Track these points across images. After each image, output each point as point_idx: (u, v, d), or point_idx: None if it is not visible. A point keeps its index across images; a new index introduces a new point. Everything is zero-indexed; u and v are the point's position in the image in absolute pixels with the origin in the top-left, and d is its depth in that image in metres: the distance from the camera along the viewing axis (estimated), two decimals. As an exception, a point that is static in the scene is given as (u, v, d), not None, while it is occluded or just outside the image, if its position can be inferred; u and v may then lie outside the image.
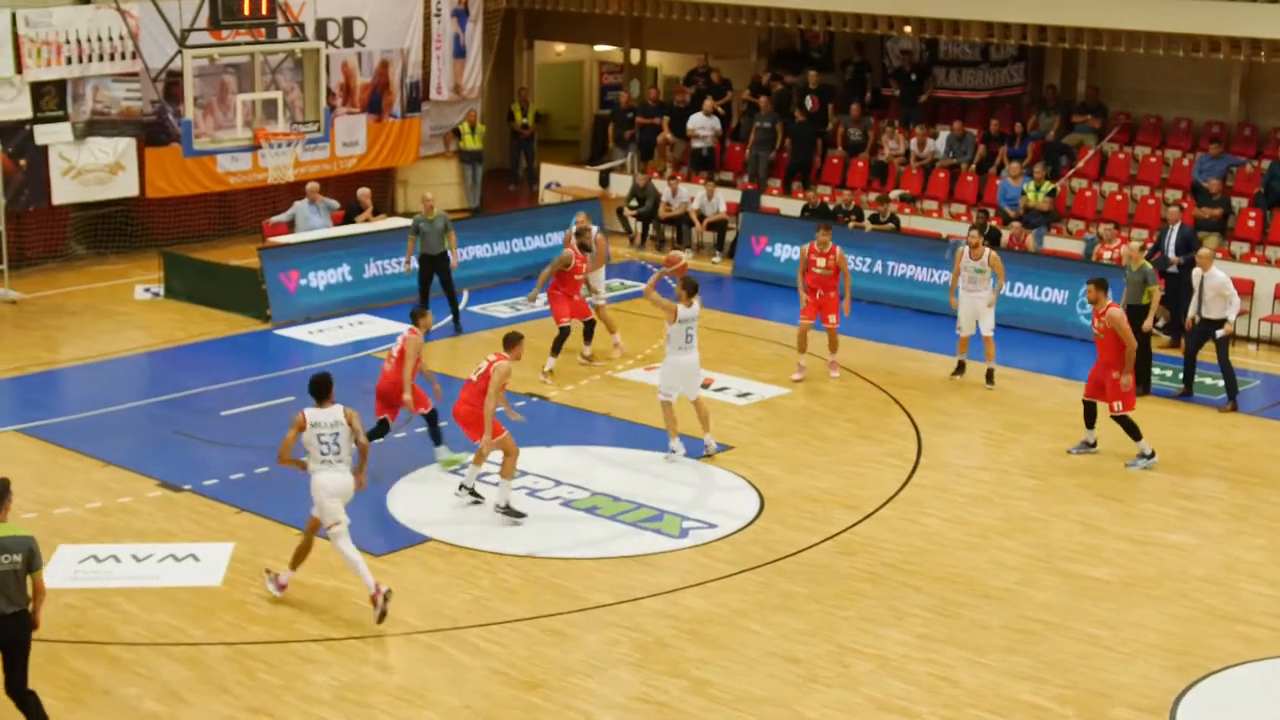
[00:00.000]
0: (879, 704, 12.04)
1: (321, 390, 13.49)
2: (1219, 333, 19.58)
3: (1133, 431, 17.34)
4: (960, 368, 20.46)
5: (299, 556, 13.68)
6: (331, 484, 13.35)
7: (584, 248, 20.76)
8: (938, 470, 17.23)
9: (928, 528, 15.63)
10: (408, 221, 24.69)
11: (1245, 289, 22.73)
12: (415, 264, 22.42)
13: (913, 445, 17.98)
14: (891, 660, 12.77)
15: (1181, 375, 20.25)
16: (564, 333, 20.38)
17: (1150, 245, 22.67)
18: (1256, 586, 14.40)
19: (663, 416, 17.26)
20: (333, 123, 27.08)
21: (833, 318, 20.37)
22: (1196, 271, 19.92)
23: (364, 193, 25.47)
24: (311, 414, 13.40)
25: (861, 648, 12.96)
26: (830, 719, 11.82)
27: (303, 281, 23.10)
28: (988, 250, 20.28)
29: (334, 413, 13.39)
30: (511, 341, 15.77)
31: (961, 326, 20.34)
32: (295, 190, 25.58)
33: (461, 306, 23.20)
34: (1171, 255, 22.10)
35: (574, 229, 21.51)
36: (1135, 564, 14.90)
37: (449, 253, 22.40)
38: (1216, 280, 19.65)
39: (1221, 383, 19.78)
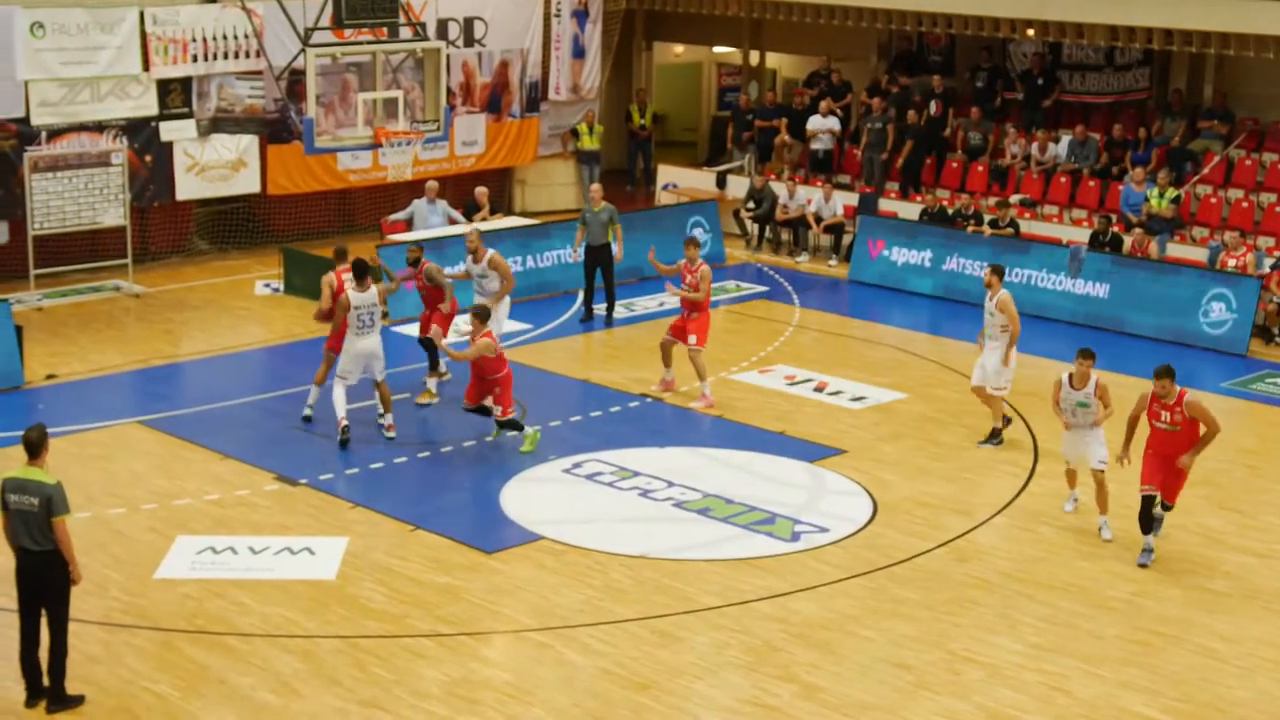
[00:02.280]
0: (990, 713, 11.92)
1: (360, 271, 17.27)
2: None
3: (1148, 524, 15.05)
4: (1003, 426, 18.20)
5: None
6: (365, 347, 17.30)
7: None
8: (1054, 479, 17.00)
9: (1042, 536, 15.45)
10: (525, 221, 24.82)
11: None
12: (581, 254, 22.92)
13: (1029, 454, 17.78)
14: (1003, 669, 12.64)
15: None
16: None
17: None
18: (1382, 603, 14.11)
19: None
20: (452, 122, 27.27)
21: (693, 339, 19.02)
22: None
23: (481, 191, 25.65)
24: (354, 296, 17.13)
25: (973, 655, 12.84)
26: (940, 727, 11.73)
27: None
28: (1002, 291, 17.93)
29: (370, 294, 17.24)
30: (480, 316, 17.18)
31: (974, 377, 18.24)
32: (414, 189, 25.82)
33: (575, 307, 23.29)
34: None
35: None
36: (1255, 577, 14.63)
37: (612, 245, 22.57)
38: None
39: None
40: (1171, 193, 25.27)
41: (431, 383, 19.30)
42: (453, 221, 24.55)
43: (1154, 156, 26.60)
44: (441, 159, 28.17)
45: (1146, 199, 25.39)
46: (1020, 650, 12.97)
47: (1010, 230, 25.33)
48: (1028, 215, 26.48)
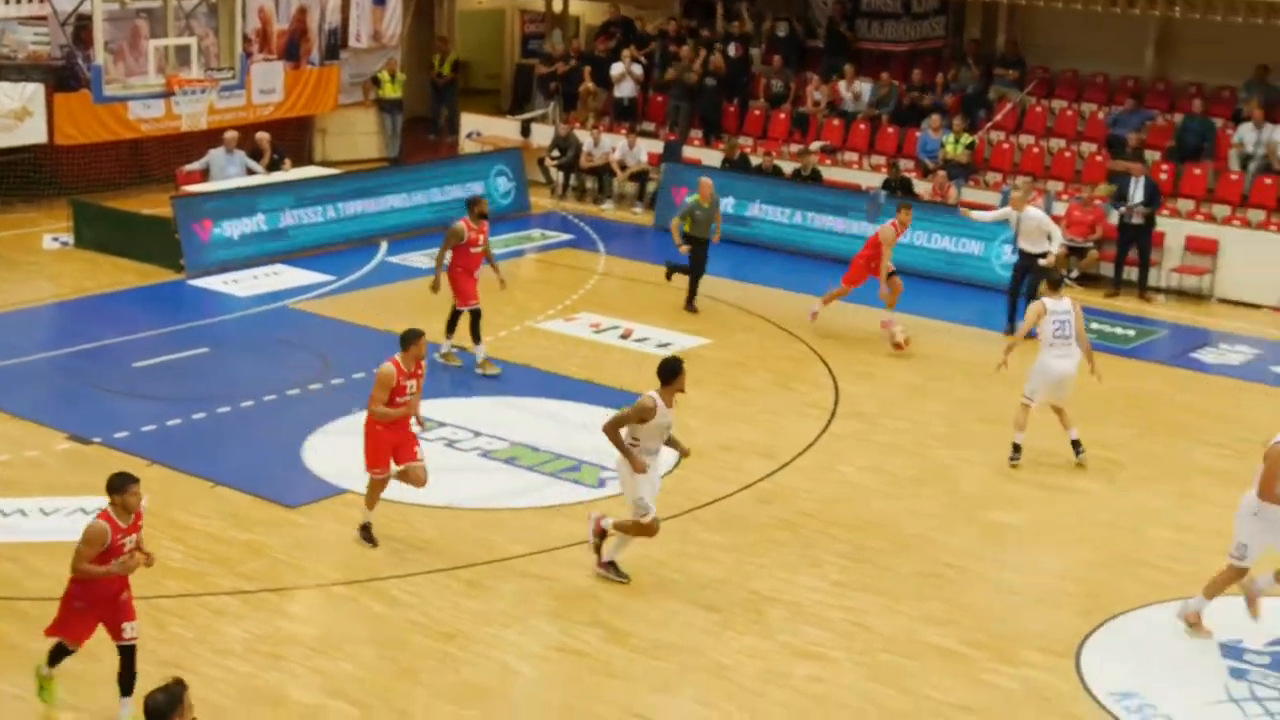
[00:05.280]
0: (794, 650, 12.11)
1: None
2: (1043, 263, 19.99)
3: None
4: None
5: None
6: None
7: (480, 216, 18.41)
8: (855, 420, 17.31)
9: (844, 476, 15.71)
10: (325, 171, 24.45)
11: (1158, 240, 23.05)
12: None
13: (830, 395, 18.05)
14: (806, 607, 12.84)
15: (1123, 329, 20.50)
16: (475, 315, 18.31)
17: (1109, 201, 23.00)
18: (1162, 531, 14.60)
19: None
20: (249, 70, 26.75)
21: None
22: (1011, 210, 20.39)
23: (262, 137, 25.13)
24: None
25: (777, 595, 13.02)
26: (745, 665, 11.87)
27: (216, 231, 22.81)
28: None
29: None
30: (408, 340, 13.59)
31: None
32: (210, 139, 25.26)
33: (379, 257, 23.06)
34: (1139, 206, 22.36)
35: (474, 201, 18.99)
36: (1046, 510, 15.05)
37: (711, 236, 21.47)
38: (1034, 216, 20.19)
39: (1123, 330, 20.10)
40: (966, 139, 25.78)
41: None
42: (250, 172, 24.12)
43: (949, 104, 27.08)
44: (238, 108, 27.54)
45: (942, 145, 25.86)
46: (822, 588, 13.19)
47: (811, 177, 25.63)
48: (828, 162, 26.79)
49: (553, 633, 12.34)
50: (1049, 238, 20.22)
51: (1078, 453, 16.09)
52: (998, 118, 26.65)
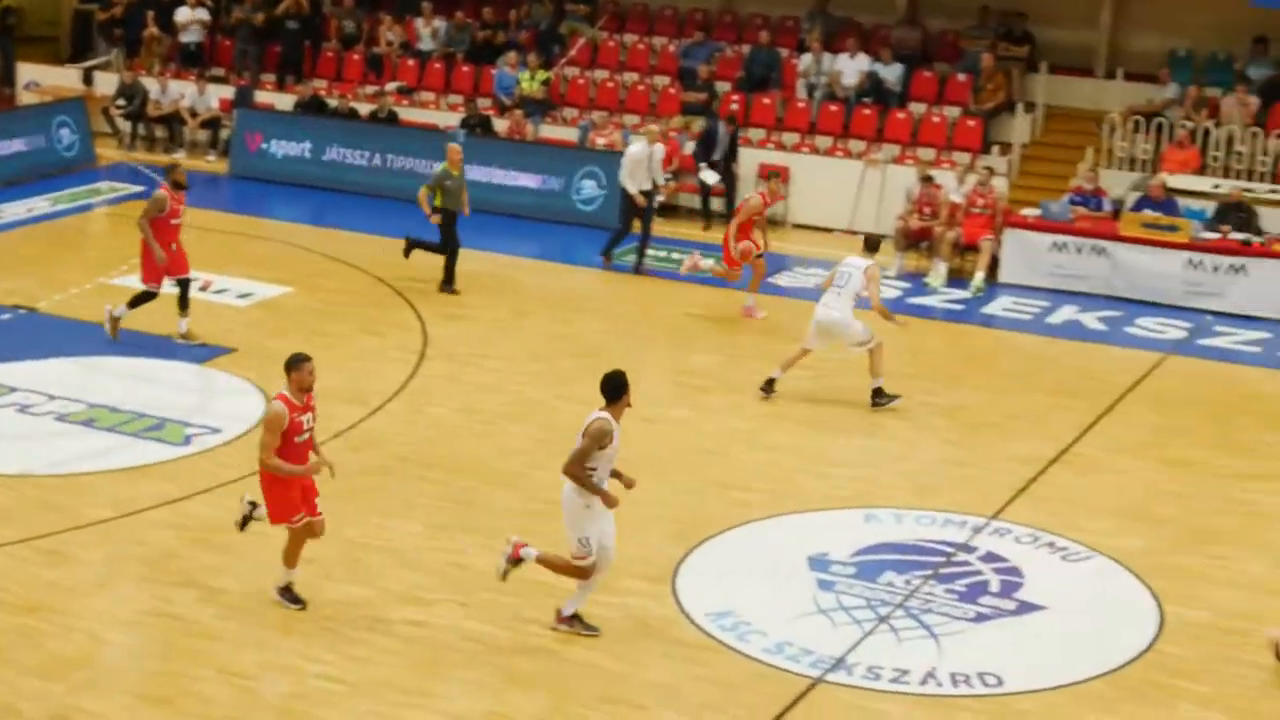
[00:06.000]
0: (395, 595, 12.01)
1: None
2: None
3: None
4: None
5: None
6: None
7: (177, 184, 17.41)
8: (445, 361, 17.27)
9: (437, 418, 15.67)
10: None
11: (779, 174, 23.82)
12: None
13: (419, 338, 17.96)
14: (405, 551, 12.76)
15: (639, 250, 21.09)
16: (148, 297, 17.41)
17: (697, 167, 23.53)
18: (751, 453, 15.08)
19: None
20: None
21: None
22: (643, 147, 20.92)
23: None
24: None
25: (373, 541, 12.90)
26: (345, 614, 11.71)
27: None
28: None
29: None
30: (290, 366, 11.78)
31: None
32: None
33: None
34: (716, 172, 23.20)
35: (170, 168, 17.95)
36: (640, 441, 15.23)
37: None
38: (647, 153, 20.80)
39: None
40: (542, 75, 25.93)
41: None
42: None
43: (524, 40, 27.18)
44: None
45: (518, 82, 25.94)
46: (420, 532, 13.13)
47: (388, 118, 25.41)
48: (405, 102, 26.58)
49: (143, 598, 11.91)
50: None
51: (877, 400, 16.32)
52: (572, 53, 26.90)
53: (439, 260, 19.82)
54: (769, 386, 16.47)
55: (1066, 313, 20.11)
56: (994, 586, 12.45)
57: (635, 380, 16.48)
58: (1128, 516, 13.87)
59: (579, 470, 11.19)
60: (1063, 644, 11.61)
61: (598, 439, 11.16)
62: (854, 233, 23.46)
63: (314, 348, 17.11)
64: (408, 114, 26.21)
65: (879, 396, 16.34)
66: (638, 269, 20.96)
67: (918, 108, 24.81)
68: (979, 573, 12.68)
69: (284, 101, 26.86)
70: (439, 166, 19.89)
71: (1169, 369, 18.24)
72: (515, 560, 11.63)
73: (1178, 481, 14.79)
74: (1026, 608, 12.13)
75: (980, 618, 11.94)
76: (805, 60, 25.52)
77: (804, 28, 26.41)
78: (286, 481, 11.59)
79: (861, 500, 13.91)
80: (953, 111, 24.61)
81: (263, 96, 27.30)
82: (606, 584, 12.26)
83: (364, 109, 26.04)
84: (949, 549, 13.08)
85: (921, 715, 10.63)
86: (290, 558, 11.81)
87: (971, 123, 24.22)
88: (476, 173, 22.89)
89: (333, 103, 26.28)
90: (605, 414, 11.28)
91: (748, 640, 11.49)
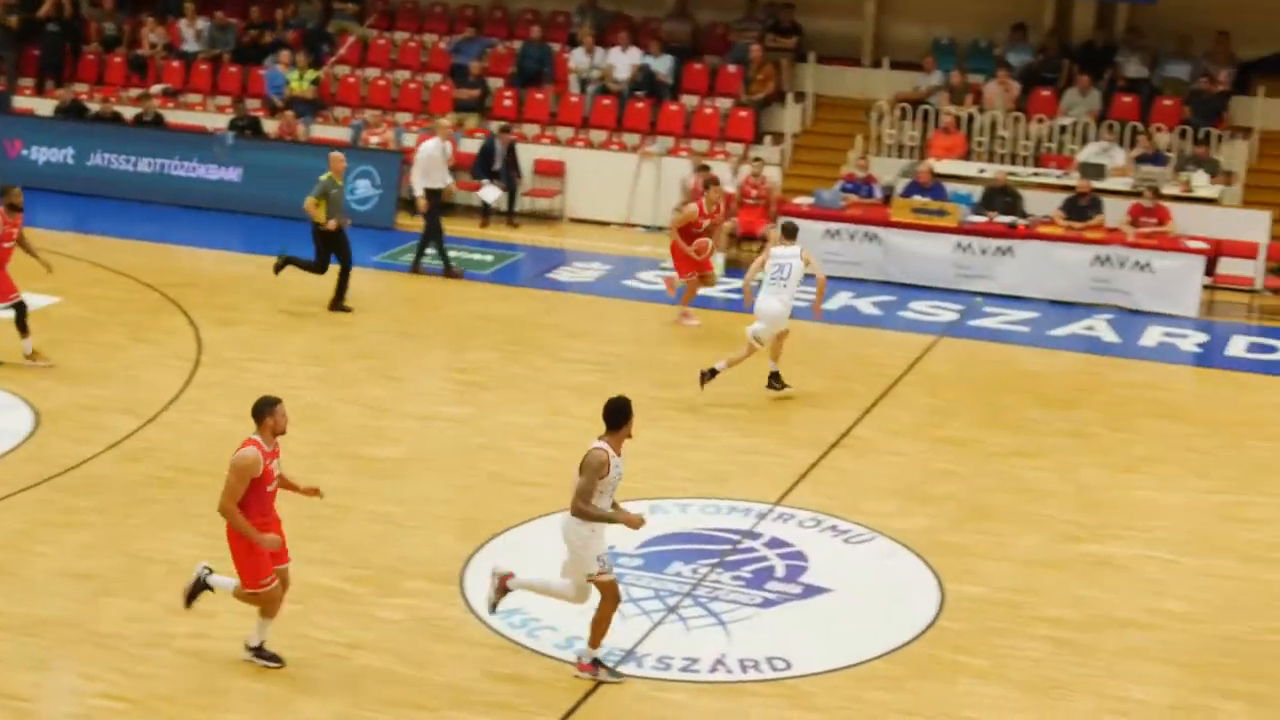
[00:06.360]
0: (176, 609, 11.70)
1: None
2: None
3: None
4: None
5: None
6: None
7: (12, 207, 16.45)
8: (220, 367, 16.94)
9: (214, 426, 15.32)
10: None
11: (555, 169, 23.85)
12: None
13: (192, 344, 17.58)
14: (184, 563, 12.41)
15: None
16: (20, 309, 16.70)
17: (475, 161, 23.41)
18: (533, 449, 15.05)
19: None
20: None
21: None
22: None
23: None
24: None
25: (153, 554, 12.58)
26: (125, 630, 11.41)
27: None
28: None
29: None
30: (262, 410, 10.78)
31: None
32: None
33: None
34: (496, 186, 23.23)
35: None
36: (421, 440, 15.22)
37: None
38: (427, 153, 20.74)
39: (480, 256, 20.66)
40: (311, 74, 25.60)
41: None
42: None
43: (292, 39, 26.79)
44: None
45: (288, 82, 25.57)
46: (201, 543, 12.76)
47: (153, 122, 24.88)
48: (171, 105, 26.02)
49: (-91, 624, 11.47)
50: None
51: (773, 385, 16.61)
52: (341, 52, 26.58)
53: (209, 266, 19.45)
54: (710, 375, 16.43)
55: (842, 298, 20.47)
56: (779, 571, 12.62)
57: (413, 379, 16.47)
58: (906, 497, 14.17)
59: (586, 507, 10.68)
60: (848, 625, 11.80)
61: (596, 470, 10.64)
62: (631, 225, 23.65)
63: (87, 358, 16.87)
64: (174, 116, 25.67)
65: (776, 381, 16.67)
66: (415, 268, 20.77)
67: (690, 100, 25.04)
68: (764, 559, 12.84)
69: (44, 106, 26.11)
70: (323, 176, 18.95)
71: (941, 351, 18.69)
72: (502, 592, 11.26)
73: (953, 461, 15.16)
74: (812, 591, 12.31)
75: (767, 603, 12.08)
76: (577, 55, 25.56)
77: (575, 22, 26.47)
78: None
79: (647, 492, 13.99)
80: (724, 103, 24.88)
81: (21, 101, 26.50)
82: (392, 586, 12.18)
83: (128, 112, 25.44)
84: (734, 536, 13.22)
85: (710, 702, 10.72)
86: (269, 612, 10.92)
87: (743, 113, 24.52)
88: (229, 174, 22.64)
89: (95, 107, 25.61)
90: (603, 444, 10.72)
91: (538, 637, 11.46)
